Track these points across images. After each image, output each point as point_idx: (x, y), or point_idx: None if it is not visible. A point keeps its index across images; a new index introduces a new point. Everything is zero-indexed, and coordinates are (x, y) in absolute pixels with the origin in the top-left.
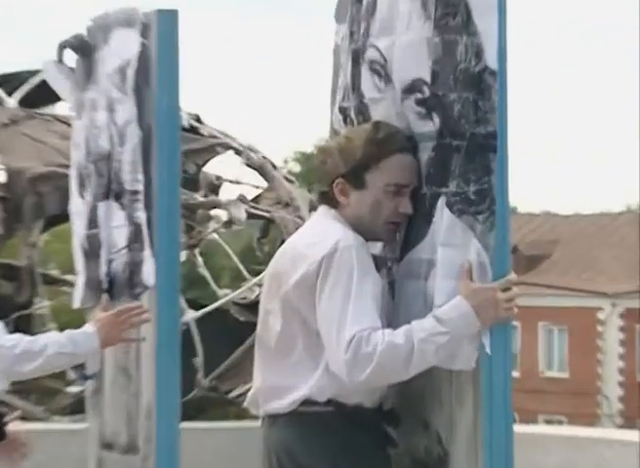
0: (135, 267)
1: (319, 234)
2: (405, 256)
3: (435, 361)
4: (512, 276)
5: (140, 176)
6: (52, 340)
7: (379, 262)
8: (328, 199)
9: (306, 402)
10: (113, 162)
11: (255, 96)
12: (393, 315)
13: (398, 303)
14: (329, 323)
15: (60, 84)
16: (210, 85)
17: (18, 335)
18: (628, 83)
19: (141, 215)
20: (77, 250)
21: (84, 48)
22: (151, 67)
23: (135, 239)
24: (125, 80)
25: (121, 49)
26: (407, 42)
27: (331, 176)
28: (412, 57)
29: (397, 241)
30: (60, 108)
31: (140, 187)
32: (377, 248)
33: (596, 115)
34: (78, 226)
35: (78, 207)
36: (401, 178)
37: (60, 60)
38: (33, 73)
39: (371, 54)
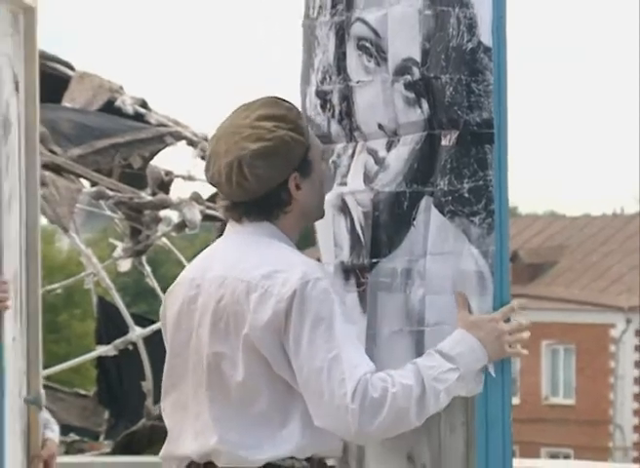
0: None
1: (272, 262)
2: (376, 265)
3: (445, 403)
4: (515, 303)
5: None
6: None
7: (347, 271)
8: (264, 210)
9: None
10: None
11: (211, 78)
12: (367, 333)
13: (372, 320)
14: (317, 372)
15: None
16: (160, 66)
17: None
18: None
19: None
20: None
21: None
22: None
23: None
24: None
25: None
26: (400, 14)
27: (275, 179)
28: (403, 32)
29: (364, 246)
30: None
31: None
32: (343, 254)
33: (607, 105)
34: None
35: None
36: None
37: None
38: None
39: (358, 29)
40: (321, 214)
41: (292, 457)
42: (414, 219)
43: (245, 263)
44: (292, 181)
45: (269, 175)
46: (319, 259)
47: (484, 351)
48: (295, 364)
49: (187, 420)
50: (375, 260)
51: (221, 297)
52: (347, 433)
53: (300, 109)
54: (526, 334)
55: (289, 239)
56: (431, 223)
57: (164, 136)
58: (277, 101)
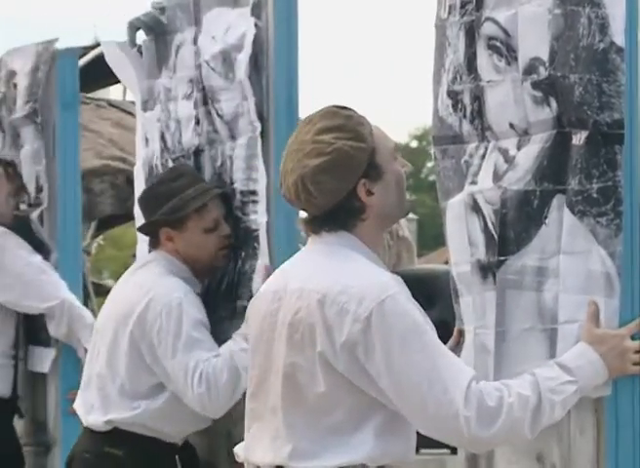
0: (241, 277)
1: (348, 275)
2: (504, 263)
3: (560, 416)
4: None
5: (256, 175)
6: None
7: (484, 269)
8: (338, 221)
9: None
10: (214, 159)
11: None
12: (496, 330)
13: (500, 317)
14: (416, 385)
15: (125, 70)
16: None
17: None
18: None
19: (259, 219)
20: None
21: (158, 29)
22: (265, 52)
23: (245, 245)
24: (231, 66)
25: (222, 31)
26: (530, 13)
27: (342, 191)
28: (533, 31)
29: (494, 243)
30: (114, 93)
31: (257, 186)
32: (479, 253)
33: None
34: None
35: None
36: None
37: (134, 43)
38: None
39: (488, 28)
40: (403, 213)
41: (363, 465)
42: (545, 218)
43: (321, 275)
44: (361, 189)
45: (335, 188)
46: (447, 262)
47: (604, 367)
48: (387, 381)
49: (262, 431)
50: (503, 258)
51: (298, 310)
52: (460, 439)
53: (360, 115)
54: None
55: (368, 248)
56: (564, 222)
57: None
58: (336, 111)
